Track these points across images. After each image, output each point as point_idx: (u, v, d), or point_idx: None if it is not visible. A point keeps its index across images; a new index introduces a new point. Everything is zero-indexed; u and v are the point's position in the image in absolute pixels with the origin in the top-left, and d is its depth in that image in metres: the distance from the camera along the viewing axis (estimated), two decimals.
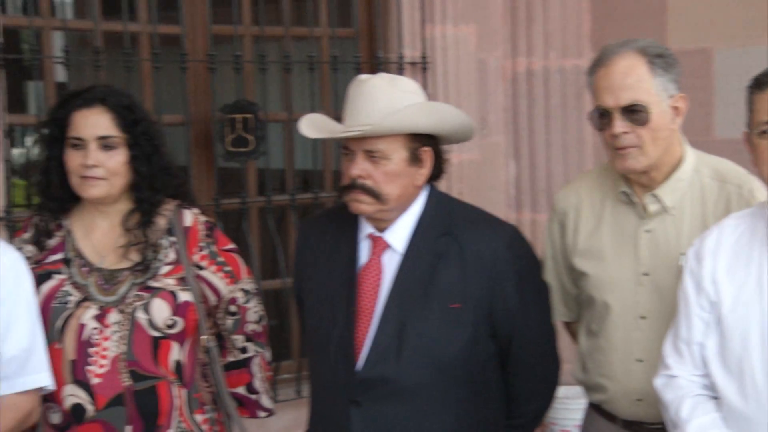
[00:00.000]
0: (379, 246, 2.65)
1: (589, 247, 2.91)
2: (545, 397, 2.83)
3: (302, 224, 3.01)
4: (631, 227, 2.83)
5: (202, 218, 2.92)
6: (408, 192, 2.60)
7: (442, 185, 5.18)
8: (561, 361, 2.84)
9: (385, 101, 2.54)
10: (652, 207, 2.78)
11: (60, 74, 4.90)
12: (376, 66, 5.30)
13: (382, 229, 2.62)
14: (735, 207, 2.67)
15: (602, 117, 2.67)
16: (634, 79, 2.63)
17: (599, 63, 2.74)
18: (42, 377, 2.61)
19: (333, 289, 2.64)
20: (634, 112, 2.61)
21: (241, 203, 4.71)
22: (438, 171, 2.70)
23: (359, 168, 2.51)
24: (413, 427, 2.55)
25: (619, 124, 2.59)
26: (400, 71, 5.23)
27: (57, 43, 4.90)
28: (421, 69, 5.28)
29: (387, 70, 5.19)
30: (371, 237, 2.65)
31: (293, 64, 5.02)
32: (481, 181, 5.60)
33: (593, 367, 2.91)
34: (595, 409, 2.97)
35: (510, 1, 5.56)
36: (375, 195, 2.52)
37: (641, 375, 2.72)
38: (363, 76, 2.69)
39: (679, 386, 2.43)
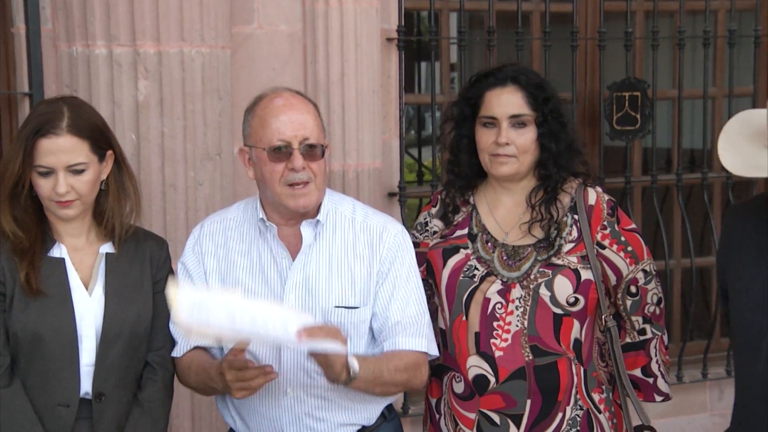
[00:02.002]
0: None
1: None
2: None
3: (729, 212, 2.77)
4: None
5: (606, 197, 2.89)
6: None
7: None
8: None
9: None
10: None
11: (453, 55, 5.06)
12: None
13: None
14: None
15: None
16: None
17: None
18: (420, 342, 2.70)
19: (763, 291, 2.44)
20: None
21: (626, 182, 4.70)
22: None
23: None
24: None
25: None
26: None
27: (452, 24, 5.11)
28: None
29: None
30: None
31: (687, 40, 4.91)
32: None
33: None
34: None
35: None
36: None
37: None
38: None
39: None
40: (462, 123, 2.90)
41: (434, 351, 2.77)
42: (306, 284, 2.67)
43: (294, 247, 2.69)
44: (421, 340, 2.70)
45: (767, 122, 2.27)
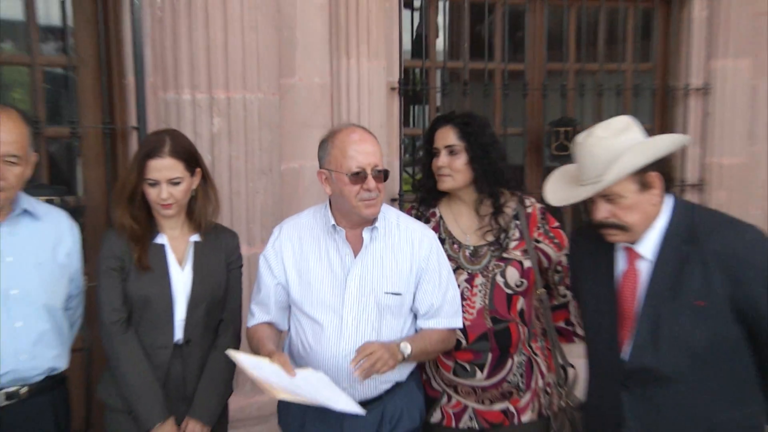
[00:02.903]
0: (633, 255, 2.35)
1: None
2: None
3: (574, 231, 2.76)
4: None
5: (538, 206, 2.90)
6: (648, 212, 2.26)
7: (721, 183, 4.86)
8: None
9: (604, 154, 2.23)
10: None
11: (438, 100, 5.10)
12: (666, 92, 5.14)
13: (633, 242, 2.35)
14: None
15: None
16: None
17: None
18: (457, 320, 2.68)
19: (599, 290, 2.41)
20: None
21: None
22: (670, 182, 2.35)
23: (602, 211, 2.25)
24: (677, 408, 2.27)
25: None
26: (685, 96, 5.03)
27: (438, 77, 5.13)
28: (703, 94, 5.01)
29: (675, 95, 5.06)
30: (626, 248, 2.37)
31: (604, 91, 4.95)
32: (748, 180, 5.24)
33: None
34: None
35: None
36: (621, 228, 2.25)
37: None
38: (580, 137, 2.33)
39: None
40: (426, 154, 2.92)
41: (461, 324, 2.74)
42: (363, 275, 2.60)
43: (355, 246, 2.63)
44: (458, 319, 2.70)
45: (577, 171, 2.31)
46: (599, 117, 4.99)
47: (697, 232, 2.22)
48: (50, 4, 3.95)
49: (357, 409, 2.40)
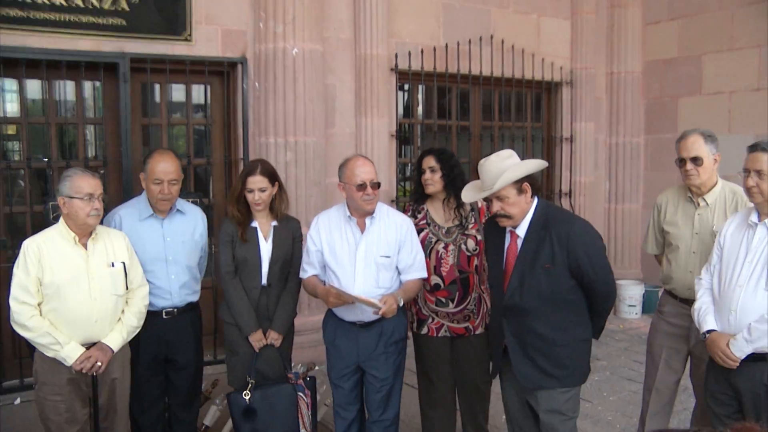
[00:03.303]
0: (514, 235, 2.39)
1: (670, 220, 2.83)
2: (610, 300, 2.42)
3: (486, 221, 2.73)
4: (691, 212, 2.78)
5: (484, 203, 2.88)
6: (523, 208, 2.34)
7: (581, 192, 5.38)
8: (614, 282, 2.41)
9: (495, 170, 2.31)
10: (701, 203, 2.75)
11: (418, 142, 5.44)
12: (550, 140, 5.68)
13: (515, 227, 2.38)
14: (740, 207, 2.61)
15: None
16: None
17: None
18: (424, 272, 2.72)
19: (496, 256, 2.48)
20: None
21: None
22: (536, 189, 2.37)
23: (496, 206, 2.34)
24: (534, 330, 2.36)
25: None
26: (560, 142, 5.63)
27: (418, 129, 5.39)
28: (569, 141, 5.63)
29: (554, 142, 5.61)
30: (510, 231, 2.40)
31: (515, 138, 5.41)
32: (595, 191, 5.89)
33: (668, 274, 2.82)
34: (667, 293, 2.86)
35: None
36: (508, 217, 2.35)
37: (691, 278, 2.65)
38: (482, 161, 2.40)
39: (701, 284, 2.44)
40: (417, 173, 2.98)
41: (425, 275, 2.72)
42: (367, 246, 2.63)
43: (362, 228, 2.66)
44: (424, 272, 2.71)
45: (480, 183, 2.39)
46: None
47: (549, 221, 2.31)
48: (199, 89, 4.24)
49: (375, 301, 2.45)
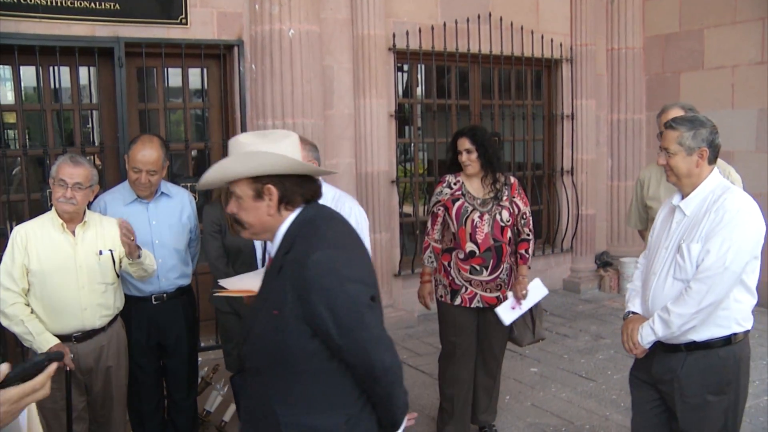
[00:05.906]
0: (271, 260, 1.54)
1: (653, 195, 2.87)
2: (381, 382, 1.53)
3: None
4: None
5: (514, 179, 3.05)
6: (263, 220, 1.57)
7: (583, 170, 5.33)
8: (390, 359, 1.50)
9: (240, 153, 1.54)
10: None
11: (418, 122, 5.53)
12: (550, 117, 5.63)
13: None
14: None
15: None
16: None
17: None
18: (366, 241, 2.36)
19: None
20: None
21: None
22: (311, 196, 1.56)
23: (231, 207, 1.61)
24: (255, 397, 1.64)
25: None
26: (561, 120, 5.57)
27: (418, 109, 5.40)
28: (570, 119, 5.62)
29: (555, 119, 5.56)
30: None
31: (515, 116, 5.40)
32: (598, 168, 5.85)
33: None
34: None
35: None
36: (242, 226, 1.59)
37: None
38: (237, 136, 1.60)
39: (637, 267, 2.37)
40: (452, 151, 3.04)
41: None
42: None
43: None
44: (366, 240, 2.41)
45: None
46: (512, 132, 5.36)
47: (295, 244, 1.50)
48: (195, 73, 4.20)
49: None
